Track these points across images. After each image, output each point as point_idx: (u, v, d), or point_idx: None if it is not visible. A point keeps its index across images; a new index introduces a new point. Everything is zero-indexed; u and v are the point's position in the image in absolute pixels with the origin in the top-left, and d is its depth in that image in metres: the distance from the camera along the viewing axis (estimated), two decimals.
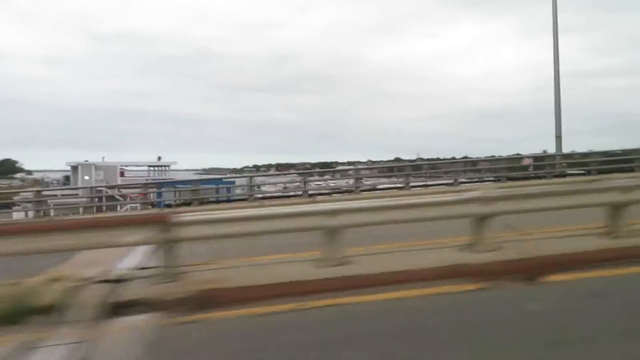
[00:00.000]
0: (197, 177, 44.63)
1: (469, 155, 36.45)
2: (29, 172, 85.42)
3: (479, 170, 23.08)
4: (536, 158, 25.76)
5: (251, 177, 22.22)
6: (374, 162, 60.10)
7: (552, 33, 23.00)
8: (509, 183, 18.62)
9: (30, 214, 20.15)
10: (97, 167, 36.62)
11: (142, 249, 7.02)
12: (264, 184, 24.65)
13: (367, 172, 30.79)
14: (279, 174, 42.64)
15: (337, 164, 75.86)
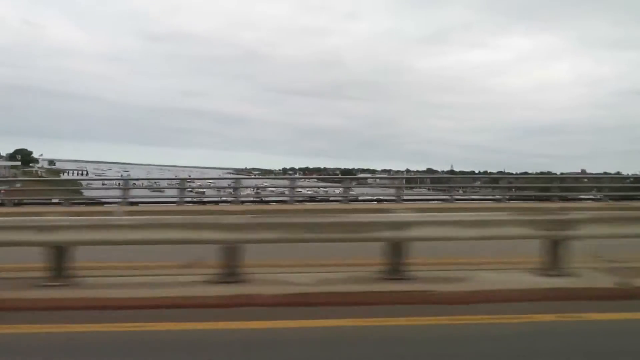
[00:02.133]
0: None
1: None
2: (52, 162, 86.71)
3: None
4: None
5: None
6: (397, 172, 58.96)
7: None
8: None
9: None
10: None
11: None
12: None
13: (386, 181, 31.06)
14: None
15: (360, 171, 73.96)
